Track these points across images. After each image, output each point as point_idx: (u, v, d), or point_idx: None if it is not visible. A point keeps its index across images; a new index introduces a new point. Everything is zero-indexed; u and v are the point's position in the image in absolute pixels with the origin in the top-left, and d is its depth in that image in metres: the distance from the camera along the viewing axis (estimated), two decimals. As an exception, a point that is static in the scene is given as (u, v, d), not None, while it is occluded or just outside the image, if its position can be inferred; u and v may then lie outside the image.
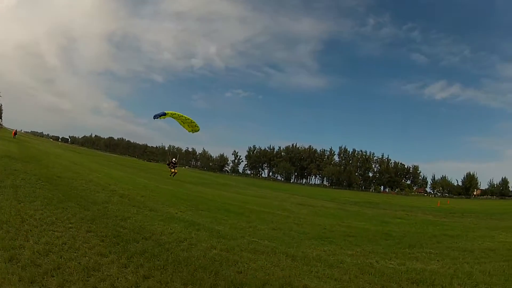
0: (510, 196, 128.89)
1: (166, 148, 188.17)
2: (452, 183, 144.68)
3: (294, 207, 21.44)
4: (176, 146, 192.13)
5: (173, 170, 34.50)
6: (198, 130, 21.53)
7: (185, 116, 20.37)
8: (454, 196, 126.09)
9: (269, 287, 6.14)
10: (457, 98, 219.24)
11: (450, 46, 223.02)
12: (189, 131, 21.44)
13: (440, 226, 19.06)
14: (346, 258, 8.94)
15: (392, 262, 8.90)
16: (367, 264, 8.41)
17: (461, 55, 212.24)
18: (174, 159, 37.07)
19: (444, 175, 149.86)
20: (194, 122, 21.14)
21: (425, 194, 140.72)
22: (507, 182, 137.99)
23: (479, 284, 7.19)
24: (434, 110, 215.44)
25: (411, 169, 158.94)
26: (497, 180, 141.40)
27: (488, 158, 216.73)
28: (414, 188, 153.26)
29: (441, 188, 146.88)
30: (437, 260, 9.46)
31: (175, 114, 19.88)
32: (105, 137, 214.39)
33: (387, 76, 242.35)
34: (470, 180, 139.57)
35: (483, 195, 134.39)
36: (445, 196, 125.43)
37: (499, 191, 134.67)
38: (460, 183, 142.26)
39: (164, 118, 19.44)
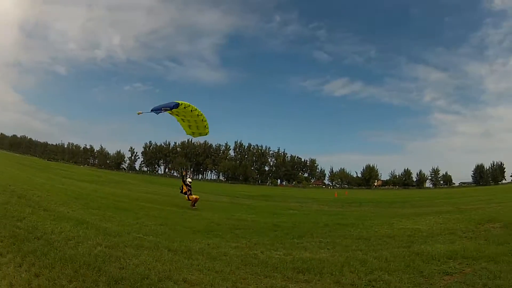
0: (413, 185, 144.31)
1: (66, 146, 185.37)
2: (351, 175, 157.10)
3: (185, 202, 21.72)
4: (75, 144, 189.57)
5: (193, 197, 21.24)
6: (207, 134, 17.93)
7: (200, 111, 16.62)
8: (354, 188, 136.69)
9: (148, 282, 6.41)
10: (358, 95, 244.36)
11: (356, 45, 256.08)
12: (190, 133, 17.71)
13: (334, 216, 20.53)
14: (230, 250, 9.46)
15: (278, 253, 9.48)
16: (251, 255, 8.94)
17: (367, 55, 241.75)
18: (189, 179, 22.98)
19: (342, 168, 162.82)
20: (206, 122, 17.33)
21: (323, 186, 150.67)
22: (410, 173, 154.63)
23: (374, 270, 7.68)
24: (334, 106, 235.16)
25: (308, 162, 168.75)
26: (399, 171, 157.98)
27: (389, 151, 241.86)
28: (312, 180, 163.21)
29: (340, 180, 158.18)
30: (328, 249, 10.12)
31: (190, 107, 16.00)
32: (10, 135, 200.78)
33: (288, 72, 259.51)
34: (370, 172, 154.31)
35: (385, 186, 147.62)
36: (344, 188, 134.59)
37: (402, 181, 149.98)
38: (359, 175, 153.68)
39: (170, 112, 15.85)
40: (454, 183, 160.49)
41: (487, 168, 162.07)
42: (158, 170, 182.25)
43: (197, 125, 17.25)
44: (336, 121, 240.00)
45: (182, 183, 21.88)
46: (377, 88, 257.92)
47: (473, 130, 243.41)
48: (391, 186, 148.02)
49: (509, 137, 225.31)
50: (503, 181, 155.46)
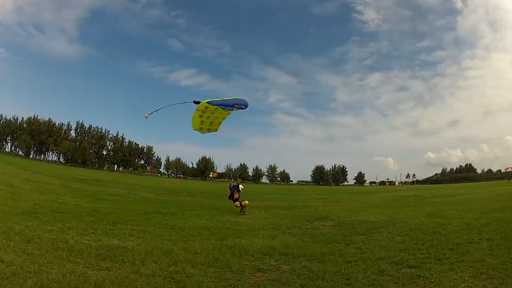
0: (250, 180, 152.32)
1: None
2: (187, 165, 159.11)
3: (20, 183, 23.26)
4: None
5: (245, 203, 19.71)
6: (216, 130, 15.46)
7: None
8: (190, 178, 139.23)
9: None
10: (203, 87, 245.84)
11: (212, 39, 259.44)
12: (198, 128, 15.32)
13: (157, 204, 21.07)
14: (44, 233, 9.55)
15: (88, 238, 9.64)
16: (62, 239, 8.99)
17: (221, 50, 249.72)
18: (241, 185, 21.14)
19: (179, 157, 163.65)
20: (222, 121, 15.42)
21: (159, 175, 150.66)
22: (246, 167, 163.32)
23: (178, 262, 7.76)
24: (177, 95, 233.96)
25: (145, 149, 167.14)
26: (236, 165, 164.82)
27: (227, 145, 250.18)
28: (148, 168, 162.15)
29: (175, 169, 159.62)
30: (138, 237, 10.31)
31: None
32: None
33: (140, 56, 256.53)
34: (205, 163, 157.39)
35: (220, 178, 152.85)
36: (179, 177, 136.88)
37: (238, 175, 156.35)
38: (195, 166, 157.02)
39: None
40: (292, 181, 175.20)
41: (328, 169, 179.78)
42: (5, 147, 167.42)
43: (211, 121, 15.26)
44: (177, 110, 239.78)
45: (229, 189, 20.46)
46: (223, 83, 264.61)
47: (317, 133, 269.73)
48: (226, 179, 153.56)
49: (353, 143, 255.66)
50: (345, 183, 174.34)
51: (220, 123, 15.64)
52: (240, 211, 19.01)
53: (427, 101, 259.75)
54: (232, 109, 13.69)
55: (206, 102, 13.08)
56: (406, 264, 7.90)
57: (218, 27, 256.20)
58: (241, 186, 21.08)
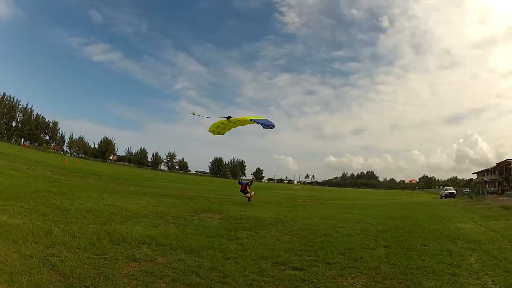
0: (149, 166, 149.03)
1: None
2: (89, 145, 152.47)
3: None
4: None
5: (252, 194, 24.96)
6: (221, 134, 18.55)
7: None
8: (91, 159, 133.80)
9: None
10: (114, 65, 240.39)
11: (133, 17, 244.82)
12: (211, 130, 17.80)
13: (51, 182, 19.87)
14: None
15: None
16: None
17: (138, 28, 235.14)
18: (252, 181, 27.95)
19: (82, 136, 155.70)
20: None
21: (62, 153, 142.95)
22: (146, 153, 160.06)
23: (56, 244, 7.19)
24: (88, 70, 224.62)
25: (51, 124, 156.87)
26: (136, 149, 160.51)
27: (130, 127, 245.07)
28: (52, 144, 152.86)
29: (77, 148, 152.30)
30: (25, 215, 9.63)
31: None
32: None
33: (61, 25, 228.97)
34: (107, 145, 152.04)
35: (120, 161, 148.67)
36: (81, 157, 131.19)
37: (137, 159, 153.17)
38: (97, 146, 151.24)
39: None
40: (190, 170, 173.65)
41: (227, 162, 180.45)
42: None
43: (225, 127, 17.68)
44: (87, 86, 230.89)
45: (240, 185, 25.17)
46: (133, 63, 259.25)
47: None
48: (126, 163, 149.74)
49: (255, 139, 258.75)
50: (243, 177, 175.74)
51: (229, 130, 18.30)
52: (249, 200, 23.56)
53: (334, 108, 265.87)
54: (265, 128, 15.83)
55: (250, 120, 15.71)
56: (290, 266, 7.43)
57: (139, 4, 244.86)
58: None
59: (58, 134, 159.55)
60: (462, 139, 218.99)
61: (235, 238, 9.89)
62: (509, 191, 54.60)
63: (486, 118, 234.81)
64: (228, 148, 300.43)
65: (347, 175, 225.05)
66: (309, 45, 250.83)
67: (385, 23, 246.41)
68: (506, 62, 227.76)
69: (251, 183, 26.06)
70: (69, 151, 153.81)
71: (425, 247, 10.67)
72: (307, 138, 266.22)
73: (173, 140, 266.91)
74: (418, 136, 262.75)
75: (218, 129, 17.72)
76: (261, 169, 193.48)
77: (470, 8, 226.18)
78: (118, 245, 7.81)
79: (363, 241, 10.97)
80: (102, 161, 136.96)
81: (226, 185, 57.81)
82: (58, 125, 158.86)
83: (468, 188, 72.43)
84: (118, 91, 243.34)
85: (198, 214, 14.35)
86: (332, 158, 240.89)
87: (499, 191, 73.06)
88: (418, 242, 11.42)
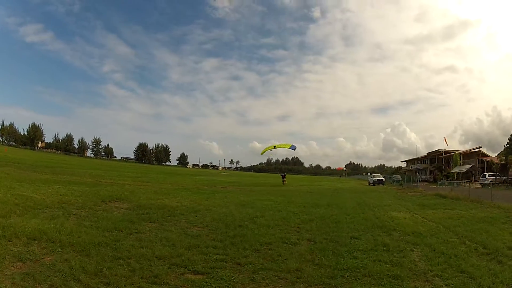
0: (75, 152, 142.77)
1: None
2: (19, 132, 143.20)
3: None
4: None
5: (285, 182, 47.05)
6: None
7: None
8: (20, 147, 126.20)
9: None
10: (45, 46, 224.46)
11: None
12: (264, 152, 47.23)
13: None
14: None
15: None
16: None
17: (71, 7, 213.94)
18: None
19: (12, 122, 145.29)
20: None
21: None
22: (72, 139, 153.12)
23: None
24: (19, 52, 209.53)
25: None
26: (63, 136, 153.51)
27: (58, 113, 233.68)
28: None
29: (8, 135, 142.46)
30: None
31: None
32: None
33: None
34: (35, 132, 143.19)
35: (48, 148, 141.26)
36: (11, 145, 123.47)
37: (64, 146, 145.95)
38: (25, 133, 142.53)
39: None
40: (116, 157, 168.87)
41: (152, 147, 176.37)
42: None
43: (271, 149, 42.27)
44: (19, 69, 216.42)
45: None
46: (64, 44, 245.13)
47: (145, 110, 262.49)
48: (53, 150, 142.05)
49: (180, 124, 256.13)
50: (168, 163, 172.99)
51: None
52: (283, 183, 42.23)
53: (259, 94, 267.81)
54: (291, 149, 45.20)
55: (289, 147, 45.49)
56: (191, 268, 6.14)
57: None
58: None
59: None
60: (390, 129, 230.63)
61: (135, 232, 8.62)
62: (442, 179, 56.36)
63: (415, 110, 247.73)
64: (153, 134, 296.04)
65: (272, 161, 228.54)
66: (237, 30, 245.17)
67: (317, 13, 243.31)
68: (442, 59, 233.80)
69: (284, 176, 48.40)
70: (0, 139, 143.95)
71: (356, 240, 9.40)
72: (232, 123, 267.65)
73: (100, 126, 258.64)
74: (344, 124, 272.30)
75: (266, 150, 32.28)
76: (185, 154, 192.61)
77: (408, 6, 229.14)
78: (10, 241, 6.88)
79: (284, 233, 9.74)
80: (31, 149, 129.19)
81: (147, 171, 55.82)
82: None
83: (399, 175, 72.90)
84: (48, 74, 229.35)
85: (106, 203, 13.17)
86: (257, 144, 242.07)
87: (431, 180, 74.08)
88: (347, 234, 10.13)
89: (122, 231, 8.62)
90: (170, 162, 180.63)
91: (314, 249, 8.18)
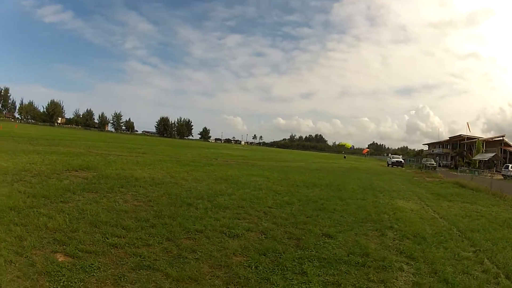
0: (96, 127, 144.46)
1: None
2: (38, 110, 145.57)
3: None
4: None
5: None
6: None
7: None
8: (40, 123, 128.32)
9: None
10: (65, 26, 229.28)
11: None
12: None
13: None
14: None
15: None
16: None
17: None
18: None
19: (31, 101, 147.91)
20: None
21: (12, 120, 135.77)
22: (92, 114, 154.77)
23: None
24: (40, 32, 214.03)
25: (2, 91, 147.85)
26: (83, 111, 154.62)
27: (79, 89, 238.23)
28: (4, 112, 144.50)
29: (26, 113, 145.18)
30: None
31: None
32: None
33: None
34: (54, 108, 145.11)
35: (68, 124, 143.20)
36: (30, 122, 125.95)
37: (84, 121, 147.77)
38: (45, 110, 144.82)
39: None
40: (137, 131, 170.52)
41: (173, 121, 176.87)
42: None
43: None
44: (39, 49, 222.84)
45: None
46: (85, 23, 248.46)
47: (168, 85, 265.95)
48: (73, 126, 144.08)
49: (203, 99, 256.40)
50: (190, 137, 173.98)
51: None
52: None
53: (283, 71, 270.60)
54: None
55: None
56: (68, 249, 5.09)
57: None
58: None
59: (9, 101, 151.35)
60: (414, 111, 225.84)
61: (60, 202, 7.78)
62: (463, 166, 53.98)
63: (439, 94, 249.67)
64: (176, 109, 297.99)
65: (295, 137, 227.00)
66: (261, 7, 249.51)
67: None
68: (465, 46, 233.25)
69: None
70: (20, 117, 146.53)
71: (327, 240, 7.12)
72: (255, 99, 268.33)
73: (121, 101, 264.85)
74: (368, 105, 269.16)
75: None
76: (208, 128, 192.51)
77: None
78: None
79: (234, 220, 7.95)
80: (50, 125, 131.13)
81: (157, 144, 55.58)
82: (9, 92, 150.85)
83: (433, 160, 62.52)
84: (68, 52, 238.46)
85: (69, 172, 12.45)
86: (281, 120, 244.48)
87: (452, 166, 71.95)
88: (322, 228, 7.96)
89: (49, 199, 7.90)
90: (192, 136, 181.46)
91: (253, 249, 6.13)
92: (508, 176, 36.85)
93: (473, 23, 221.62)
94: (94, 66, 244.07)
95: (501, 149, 64.73)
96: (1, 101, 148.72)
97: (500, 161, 60.04)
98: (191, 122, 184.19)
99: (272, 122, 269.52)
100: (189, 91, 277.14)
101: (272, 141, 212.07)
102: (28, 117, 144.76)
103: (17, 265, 4.41)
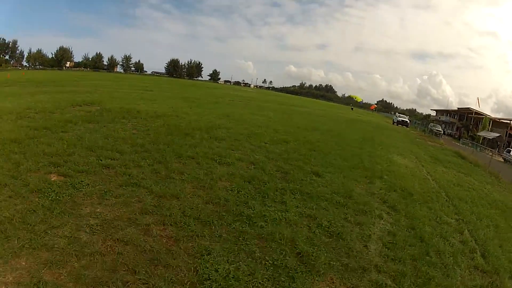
0: (105, 69, 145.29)
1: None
2: (46, 56, 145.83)
3: None
4: None
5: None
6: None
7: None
8: (48, 69, 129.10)
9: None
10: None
11: None
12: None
13: None
14: None
15: None
16: None
17: None
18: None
19: (40, 48, 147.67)
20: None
21: (20, 68, 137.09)
22: (102, 57, 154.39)
23: None
24: None
25: (10, 44, 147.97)
26: (92, 55, 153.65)
27: (87, 34, 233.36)
28: (12, 62, 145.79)
29: (34, 61, 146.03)
30: None
31: None
32: None
33: None
34: (62, 53, 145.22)
35: (76, 68, 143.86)
36: (38, 69, 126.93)
37: (93, 64, 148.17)
38: (53, 56, 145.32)
39: None
40: (146, 71, 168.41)
41: (183, 63, 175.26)
42: None
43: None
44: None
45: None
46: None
47: (180, 30, 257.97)
48: (82, 68, 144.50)
49: (215, 44, 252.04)
50: (199, 78, 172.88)
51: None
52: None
53: (299, 22, 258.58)
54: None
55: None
56: (63, 170, 5.53)
57: None
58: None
59: (17, 52, 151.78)
60: (426, 77, 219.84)
61: (61, 132, 8.08)
62: (466, 139, 53.31)
63: (454, 64, 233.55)
64: (187, 52, 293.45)
65: (305, 85, 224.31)
66: None
67: None
68: (485, 23, 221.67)
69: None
70: (27, 65, 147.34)
71: (316, 179, 7.38)
72: (269, 46, 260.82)
73: (132, 45, 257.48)
74: (381, 62, 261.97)
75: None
76: (218, 71, 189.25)
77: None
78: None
79: (227, 150, 8.13)
80: (58, 69, 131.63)
81: (166, 83, 54.57)
82: (18, 43, 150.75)
83: (440, 127, 61.28)
84: None
85: (73, 107, 12.56)
86: (293, 68, 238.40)
87: (456, 136, 71.24)
88: (312, 167, 8.15)
89: (50, 130, 8.09)
90: (202, 77, 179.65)
91: (239, 176, 6.45)
92: (508, 160, 36.43)
93: (495, 3, 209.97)
94: (104, 11, 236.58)
95: (506, 131, 63.51)
96: (9, 52, 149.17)
97: (504, 144, 59.15)
98: (201, 64, 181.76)
99: (284, 69, 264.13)
100: (201, 36, 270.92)
101: (282, 86, 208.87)
102: (36, 64, 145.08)
103: (11, 187, 4.69)
